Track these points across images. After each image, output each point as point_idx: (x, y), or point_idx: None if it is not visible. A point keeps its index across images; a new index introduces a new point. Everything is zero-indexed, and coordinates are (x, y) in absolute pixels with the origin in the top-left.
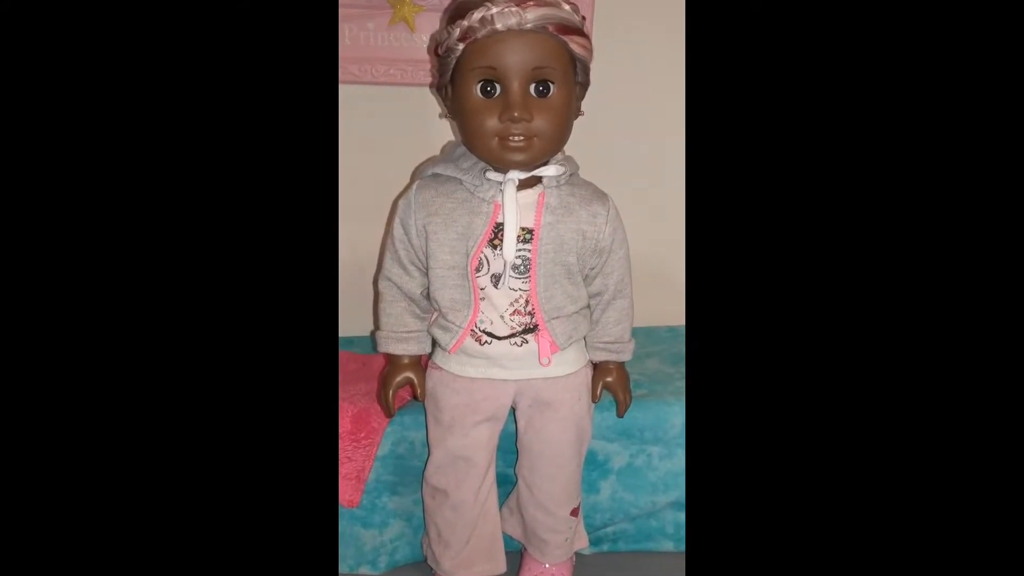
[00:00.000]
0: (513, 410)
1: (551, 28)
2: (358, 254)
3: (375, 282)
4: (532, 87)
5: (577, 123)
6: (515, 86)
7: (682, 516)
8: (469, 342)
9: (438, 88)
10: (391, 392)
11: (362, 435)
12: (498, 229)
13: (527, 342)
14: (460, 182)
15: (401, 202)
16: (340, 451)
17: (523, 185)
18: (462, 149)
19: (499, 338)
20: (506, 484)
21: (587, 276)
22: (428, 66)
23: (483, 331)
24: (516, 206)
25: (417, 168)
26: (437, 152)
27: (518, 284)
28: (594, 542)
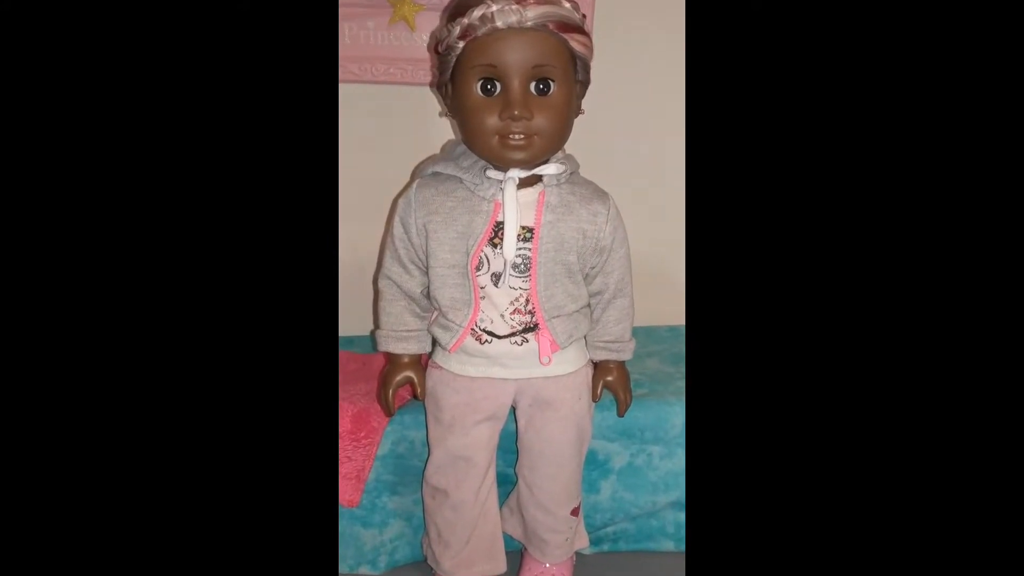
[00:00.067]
0: (513, 409)
1: (551, 26)
2: (358, 253)
3: (375, 281)
4: (532, 85)
5: (577, 123)
6: (515, 84)
7: (682, 516)
8: (469, 341)
9: (438, 86)
10: (391, 391)
11: (362, 435)
12: (498, 228)
13: (527, 341)
14: (460, 181)
15: (401, 201)
16: (340, 451)
17: (523, 184)
18: (462, 148)
19: (499, 337)
20: (506, 484)
21: (587, 275)
22: (428, 65)
23: (483, 330)
24: (516, 205)
25: (417, 167)
26: (437, 151)
27: (518, 283)
28: (594, 542)
